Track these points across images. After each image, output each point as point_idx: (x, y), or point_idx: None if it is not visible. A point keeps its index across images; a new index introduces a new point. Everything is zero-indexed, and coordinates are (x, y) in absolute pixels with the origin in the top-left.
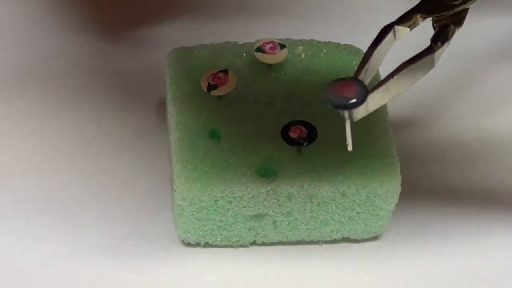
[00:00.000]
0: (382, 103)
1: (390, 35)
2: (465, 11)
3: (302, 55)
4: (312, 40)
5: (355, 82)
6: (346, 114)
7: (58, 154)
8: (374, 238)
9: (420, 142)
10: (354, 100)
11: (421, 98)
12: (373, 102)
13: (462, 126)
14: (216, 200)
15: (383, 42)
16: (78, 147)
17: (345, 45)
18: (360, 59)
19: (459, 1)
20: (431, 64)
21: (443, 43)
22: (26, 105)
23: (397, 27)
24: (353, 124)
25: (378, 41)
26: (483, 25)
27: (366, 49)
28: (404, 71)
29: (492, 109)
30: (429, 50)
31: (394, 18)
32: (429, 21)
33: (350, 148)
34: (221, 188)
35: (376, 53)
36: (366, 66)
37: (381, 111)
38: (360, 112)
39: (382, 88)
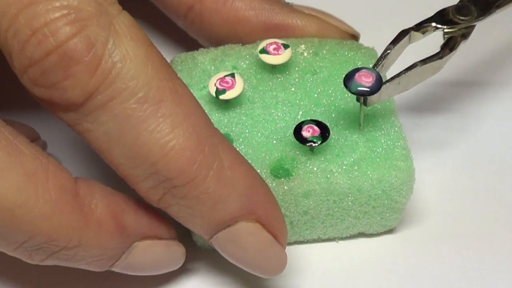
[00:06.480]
0: (392, 95)
1: (405, 38)
2: (472, 27)
3: (305, 54)
4: (312, 38)
5: (373, 73)
6: (361, 99)
7: (58, 153)
8: (389, 231)
9: (429, 134)
10: (370, 88)
11: (429, 92)
12: (386, 92)
13: (471, 118)
14: None
15: (399, 43)
16: (79, 147)
17: (347, 41)
18: (362, 54)
19: (468, 19)
20: (438, 68)
21: (450, 51)
22: (26, 102)
23: (412, 32)
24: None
25: (396, 41)
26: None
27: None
28: (415, 70)
29: (498, 106)
30: (438, 55)
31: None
32: (440, 31)
33: (361, 129)
34: None
35: (393, 51)
36: (383, 61)
37: (390, 107)
38: (373, 100)
39: (395, 81)
